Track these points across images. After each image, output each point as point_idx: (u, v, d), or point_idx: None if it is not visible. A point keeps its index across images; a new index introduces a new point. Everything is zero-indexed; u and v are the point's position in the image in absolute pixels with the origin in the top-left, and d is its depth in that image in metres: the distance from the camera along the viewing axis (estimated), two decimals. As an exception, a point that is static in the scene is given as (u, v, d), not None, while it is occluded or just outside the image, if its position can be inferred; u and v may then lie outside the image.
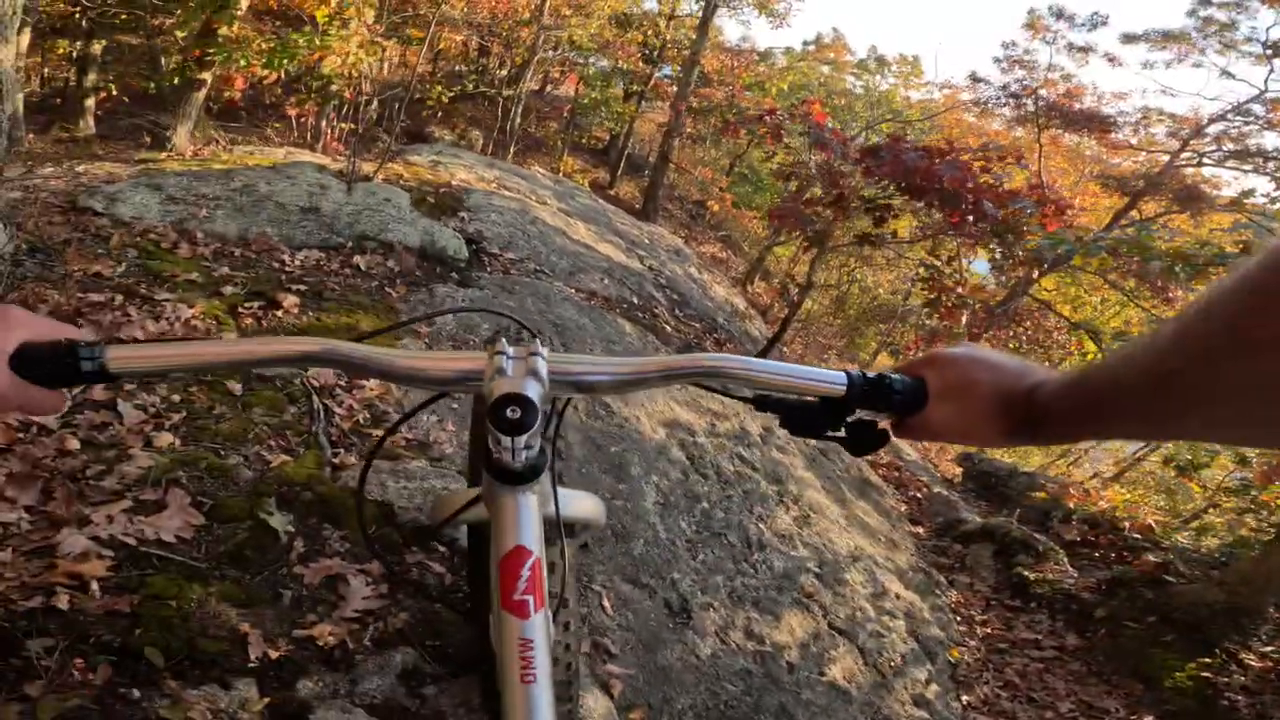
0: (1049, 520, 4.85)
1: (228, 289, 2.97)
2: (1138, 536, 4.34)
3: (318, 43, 5.14)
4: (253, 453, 2.10)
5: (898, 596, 3.32)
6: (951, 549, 4.43)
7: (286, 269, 3.31)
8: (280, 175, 4.18)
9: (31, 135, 8.19)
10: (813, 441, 4.48)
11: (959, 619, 3.60)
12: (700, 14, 11.45)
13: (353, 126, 6.26)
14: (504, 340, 0.68)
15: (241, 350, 0.67)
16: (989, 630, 3.59)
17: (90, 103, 8.51)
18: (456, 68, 14.00)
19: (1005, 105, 9.74)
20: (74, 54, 9.36)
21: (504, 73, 12.72)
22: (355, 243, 3.74)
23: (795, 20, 35.18)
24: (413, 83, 5.70)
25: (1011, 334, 8.02)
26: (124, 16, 7.76)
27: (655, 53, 13.11)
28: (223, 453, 2.05)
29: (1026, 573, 3.99)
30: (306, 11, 5.33)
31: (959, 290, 5.02)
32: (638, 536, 2.50)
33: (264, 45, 5.35)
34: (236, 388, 2.37)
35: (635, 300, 5.29)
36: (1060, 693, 3.14)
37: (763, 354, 6.02)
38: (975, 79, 10.44)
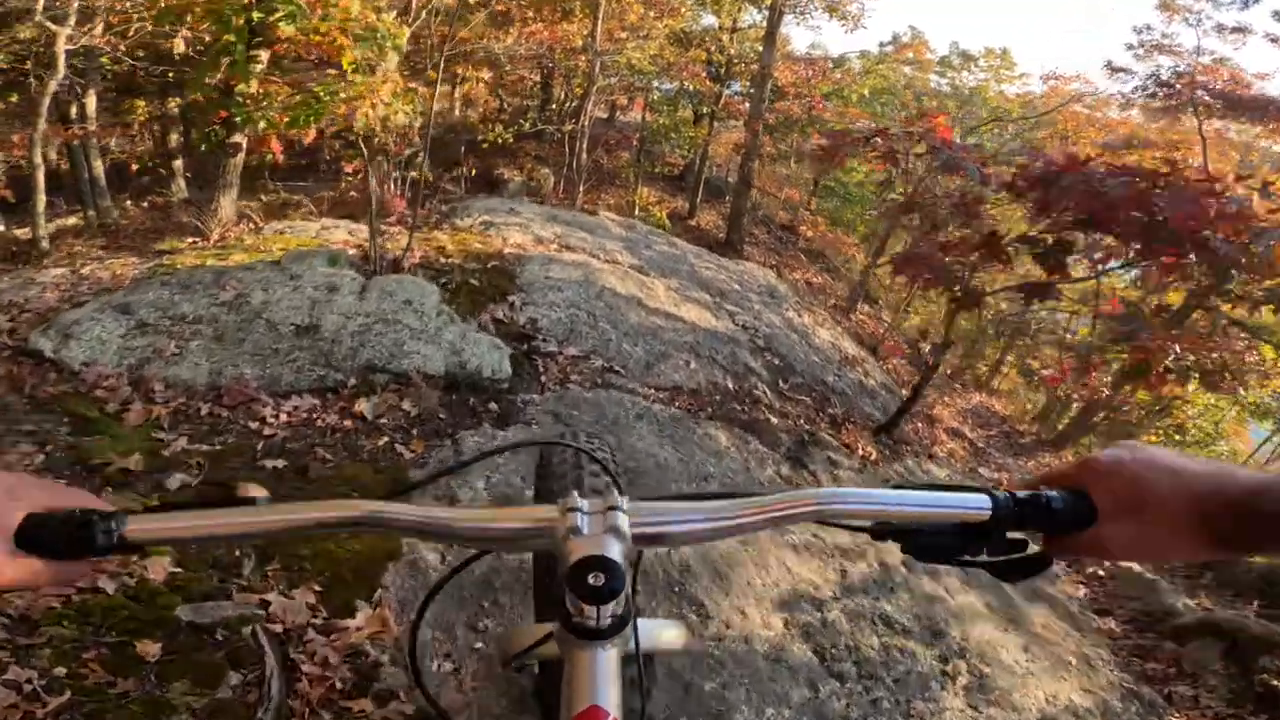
0: (1298, 606, 3.54)
1: (175, 478, 2.12)
2: None
3: (341, 94, 4.42)
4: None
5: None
6: (1160, 649, 3.28)
7: (265, 430, 2.44)
8: (283, 275, 3.37)
9: (128, 202, 8.00)
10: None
11: (1188, 749, 2.62)
12: (765, 24, 10.37)
13: (401, 176, 5.52)
14: (576, 494, 0.59)
15: (274, 519, 0.56)
16: (1235, 762, 2.52)
17: (178, 164, 8.41)
18: (524, 103, 13.46)
19: (1152, 96, 8.21)
20: (152, 114, 9.41)
21: (567, 105, 12.02)
22: (360, 378, 2.83)
23: (869, 21, 33.45)
24: (427, 135, 4.84)
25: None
26: (171, 75, 7.51)
27: (721, 70, 12.13)
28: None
29: (1277, 682, 2.93)
30: (333, 58, 4.66)
31: (1175, 348, 3.63)
32: None
33: (289, 101, 4.70)
34: (152, 649, 1.58)
35: (729, 384, 4.23)
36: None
37: (891, 425, 4.85)
38: (1113, 69, 8.95)
